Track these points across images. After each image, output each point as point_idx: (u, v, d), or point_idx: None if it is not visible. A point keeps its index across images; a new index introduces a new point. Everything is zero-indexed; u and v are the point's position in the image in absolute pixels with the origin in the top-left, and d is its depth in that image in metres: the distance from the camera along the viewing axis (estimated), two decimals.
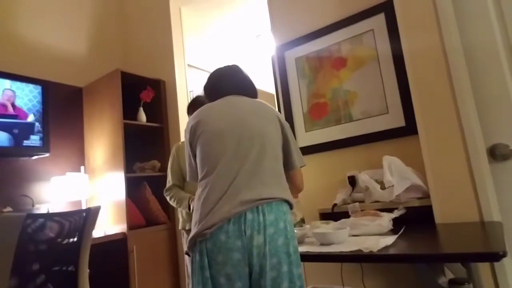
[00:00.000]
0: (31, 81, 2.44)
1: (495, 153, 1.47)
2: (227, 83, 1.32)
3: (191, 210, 1.86)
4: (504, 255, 0.89)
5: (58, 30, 2.84)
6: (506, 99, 1.47)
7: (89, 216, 1.69)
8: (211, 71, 1.41)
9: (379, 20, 1.91)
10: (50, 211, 2.32)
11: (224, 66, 1.38)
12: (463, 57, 1.49)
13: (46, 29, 2.76)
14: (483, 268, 1.36)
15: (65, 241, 1.61)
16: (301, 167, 1.33)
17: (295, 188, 1.36)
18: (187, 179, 1.32)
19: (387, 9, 1.85)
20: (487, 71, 1.51)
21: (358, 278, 1.72)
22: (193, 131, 1.22)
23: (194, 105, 1.97)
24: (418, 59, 1.56)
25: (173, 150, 2.07)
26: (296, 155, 1.29)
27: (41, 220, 1.51)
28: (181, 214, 2.02)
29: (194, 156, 1.24)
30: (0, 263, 1.35)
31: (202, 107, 1.28)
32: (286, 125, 1.29)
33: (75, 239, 1.66)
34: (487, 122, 1.50)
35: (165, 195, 2.02)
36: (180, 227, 2.03)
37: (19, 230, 1.38)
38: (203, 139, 1.19)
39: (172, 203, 1.97)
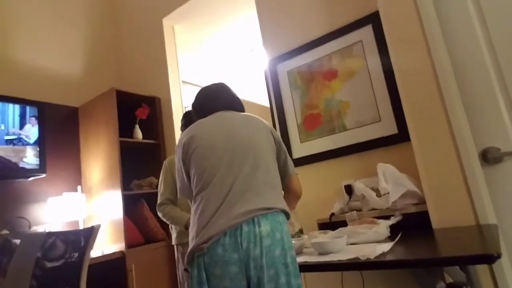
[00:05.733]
0: (27, 103, 2.46)
1: (487, 157, 1.49)
2: (216, 100, 1.34)
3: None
4: (498, 256, 0.89)
5: (52, 51, 2.88)
6: (494, 104, 1.50)
7: (90, 235, 1.68)
8: None
9: (367, 32, 1.95)
10: None
11: (212, 84, 1.40)
12: (451, 69, 1.53)
13: (41, 50, 2.80)
14: (482, 272, 1.36)
15: (69, 261, 1.61)
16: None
17: (294, 195, 1.39)
18: (178, 195, 1.31)
19: (374, 21, 1.90)
20: (475, 78, 1.55)
21: (359, 287, 1.71)
22: (186, 148, 1.23)
23: (189, 120, 1.90)
24: (407, 70, 1.58)
25: (165, 163, 2.03)
26: (290, 164, 1.35)
27: (53, 238, 1.52)
28: (174, 229, 1.97)
29: (187, 173, 1.24)
30: (19, 281, 1.35)
31: (194, 124, 1.29)
32: (277, 136, 1.33)
33: (75, 259, 1.64)
34: (477, 127, 1.52)
35: (158, 210, 1.94)
36: (173, 242, 1.97)
37: (39, 247, 1.39)
38: (197, 155, 1.20)
39: (166, 220, 1.90)
